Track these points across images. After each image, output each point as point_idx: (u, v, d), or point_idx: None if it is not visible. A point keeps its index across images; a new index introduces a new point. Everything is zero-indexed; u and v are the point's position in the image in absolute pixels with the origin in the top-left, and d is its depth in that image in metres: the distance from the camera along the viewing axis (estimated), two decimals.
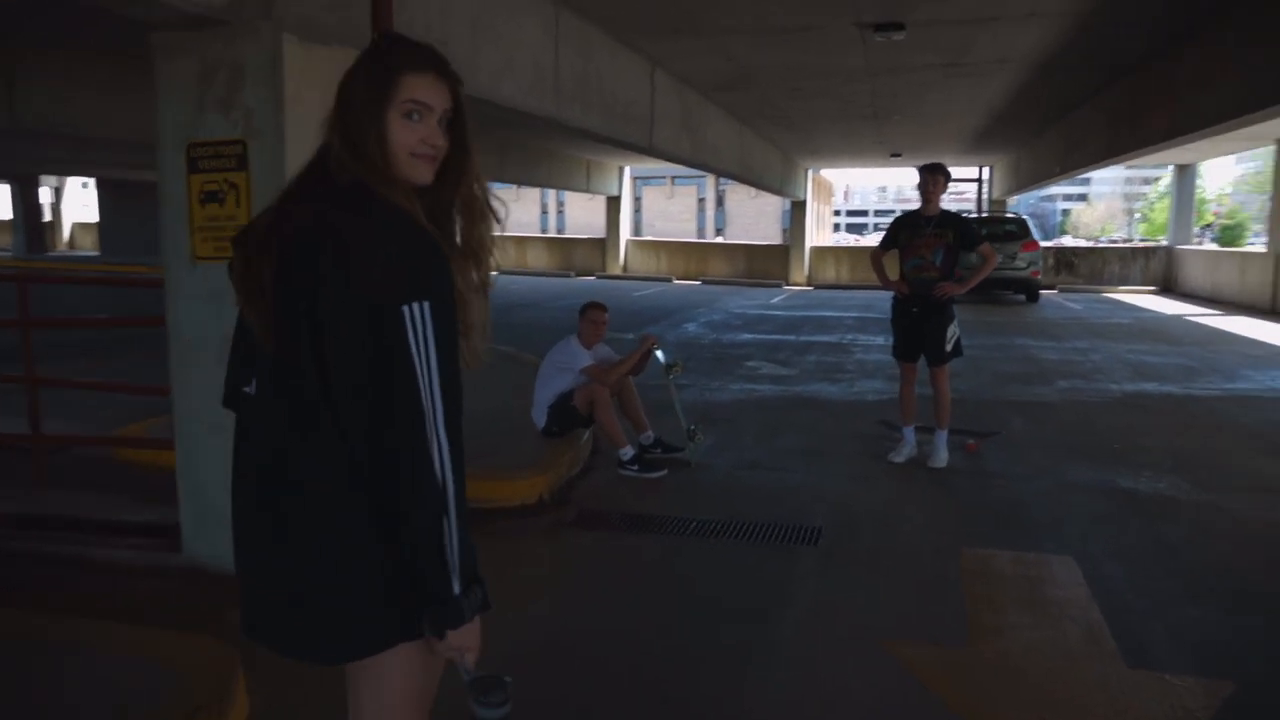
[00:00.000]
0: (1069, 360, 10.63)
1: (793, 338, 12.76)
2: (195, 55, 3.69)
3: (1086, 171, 14.41)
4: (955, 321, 5.76)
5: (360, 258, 1.33)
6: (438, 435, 1.34)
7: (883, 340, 12.34)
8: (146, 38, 3.78)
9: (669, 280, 25.37)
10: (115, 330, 10.66)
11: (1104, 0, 7.42)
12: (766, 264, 25.81)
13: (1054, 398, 8.26)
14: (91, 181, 30.75)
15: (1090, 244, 27.46)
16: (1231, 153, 24.59)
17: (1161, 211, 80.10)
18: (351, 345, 1.33)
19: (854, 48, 9.11)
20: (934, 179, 5.68)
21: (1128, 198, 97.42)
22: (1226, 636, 3.50)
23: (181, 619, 3.35)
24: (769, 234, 44.45)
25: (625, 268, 27.15)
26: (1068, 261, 23.86)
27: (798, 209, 25.27)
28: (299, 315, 1.36)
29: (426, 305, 1.31)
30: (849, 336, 12.94)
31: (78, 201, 39.03)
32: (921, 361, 5.87)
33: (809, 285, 24.46)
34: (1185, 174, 22.76)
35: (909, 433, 6.03)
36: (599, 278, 25.98)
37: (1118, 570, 4.18)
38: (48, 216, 35.27)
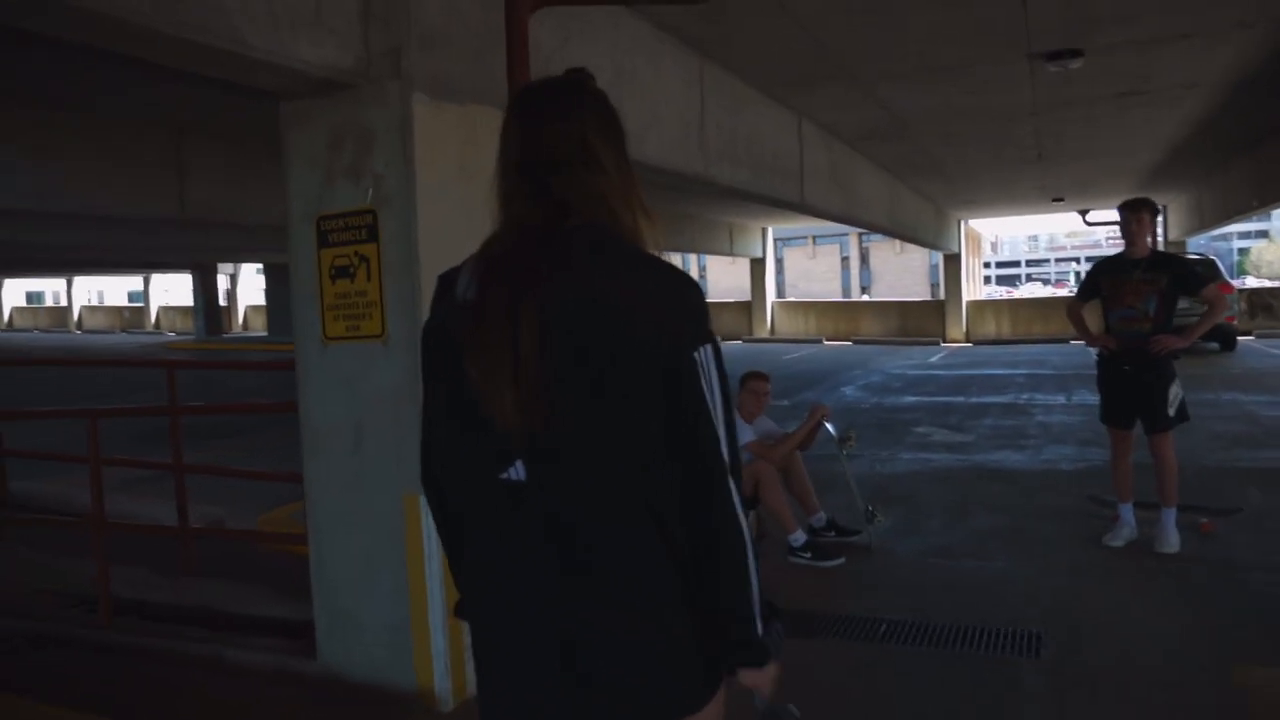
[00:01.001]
0: None
1: (962, 399, 12.19)
2: (323, 122, 3.46)
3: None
4: (1177, 380, 5.09)
5: (672, 313, 1.32)
6: (734, 485, 1.35)
7: (1064, 399, 11.78)
8: (276, 110, 3.57)
9: (819, 341, 24.95)
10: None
11: None
12: (920, 321, 25.10)
13: None
14: (261, 266, 33.01)
15: None
16: None
17: None
18: (659, 410, 1.31)
19: (1021, 82, 8.45)
20: (1138, 217, 5.12)
21: None
22: None
23: None
24: (916, 290, 43.58)
25: (772, 330, 26.79)
26: (1265, 304, 21.82)
27: (950, 262, 24.57)
28: (582, 389, 1.30)
29: (710, 349, 1.33)
30: (1024, 396, 12.23)
31: (252, 285, 42.10)
32: (1137, 429, 5.20)
33: (967, 342, 23.72)
34: None
35: (1127, 511, 5.32)
36: (746, 341, 25.77)
37: None
38: (224, 301, 38.22)
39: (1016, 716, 3.23)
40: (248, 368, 10.42)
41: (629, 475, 1.31)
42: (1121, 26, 6.85)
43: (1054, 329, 23.28)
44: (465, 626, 1.53)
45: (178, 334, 37.62)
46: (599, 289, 1.29)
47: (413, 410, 3.02)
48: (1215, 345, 17.34)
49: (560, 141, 1.38)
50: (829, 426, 5.41)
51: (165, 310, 41.63)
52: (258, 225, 10.44)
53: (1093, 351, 5.35)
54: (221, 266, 36.26)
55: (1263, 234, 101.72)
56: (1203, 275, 5.18)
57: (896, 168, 13.89)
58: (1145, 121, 11.02)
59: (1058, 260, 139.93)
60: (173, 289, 46.42)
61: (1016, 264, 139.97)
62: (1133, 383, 5.10)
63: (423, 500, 3.20)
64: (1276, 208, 14.94)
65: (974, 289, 31.34)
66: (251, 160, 9.67)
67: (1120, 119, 10.74)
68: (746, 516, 1.39)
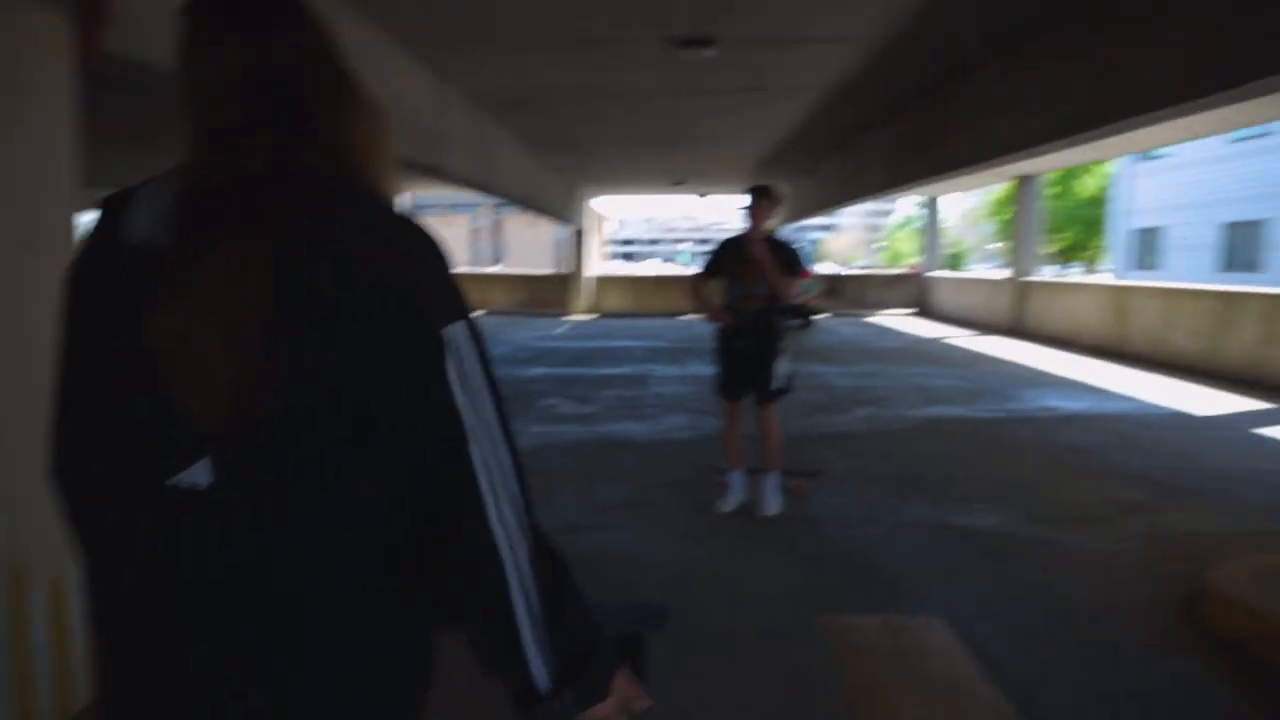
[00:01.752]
0: (861, 386, 10.92)
1: (588, 370, 12.50)
2: None
3: (870, 200, 14.93)
4: (787, 355, 5.51)
5: (432, 280, 1.06)
6: (502, 508, 1.06)
7: (678, 370, 12.41)
8: None
9: None
10: None
11: (914, 22, 7.39)
12: (549, 293, 25.72)
13: (859, 427, 8.33)
14: None
15: (857, 271, 29.20)
16: (977, 187, 26.66)
17: (901, 241, 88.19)
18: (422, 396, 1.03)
19: (658, 65, 8.76)
20: (762, 201, 5.40)
21: (868, 229, 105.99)
22: (1119, 690, 3.16)
23: None
24: (544, 263, 44.81)
25: None
26: (835, 287, 25.03)
27: (577, 238, 25.31)
28: (316, 365, 0.98)
29: (466, 329, 1.07)
30: (644, 368, 12.79)
31: None
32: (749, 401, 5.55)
33: (592, 314, 24.55)
34: (934, 206, 24.45)
35: (736, 479, 5.68)
36: None
37: (987, 628, 3.81)
38: None
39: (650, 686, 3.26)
40: None
41: (365, 485, 1.00)
42: (747, 21, 7.28)
43: (670, 303, 24.93)
44: None
45: None
46: (347, 244, 1.00)
47: None
48: (799, 322, 19.48)
49: (291, 56, 1.09)
50: None
51: None
52: None
53: (712, 326, 5.60)
54: None
55: (830, 228, 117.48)
56: (800, 260, 5.61)
57: (537, 140, 13.93)
58: (761, 116, 11.99)
59: (674, 240, 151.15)
60: None
61: (635, 242, 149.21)
62: (748, 357, 5.44)
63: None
64: (851, 204, 16.99)
65: (598, 263, 32.60)
66: None
67: (740, 112, 11.58)
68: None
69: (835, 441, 7.64)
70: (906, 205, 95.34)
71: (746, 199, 5.42)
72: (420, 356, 1.02)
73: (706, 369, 11.93)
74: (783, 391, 5.48)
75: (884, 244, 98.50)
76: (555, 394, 10.22)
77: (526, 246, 48.20)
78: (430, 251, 1.07)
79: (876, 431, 8.11)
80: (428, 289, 1.04)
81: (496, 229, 50.28)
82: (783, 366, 5.45)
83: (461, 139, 10.03)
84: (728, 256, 5.51)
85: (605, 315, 24.27)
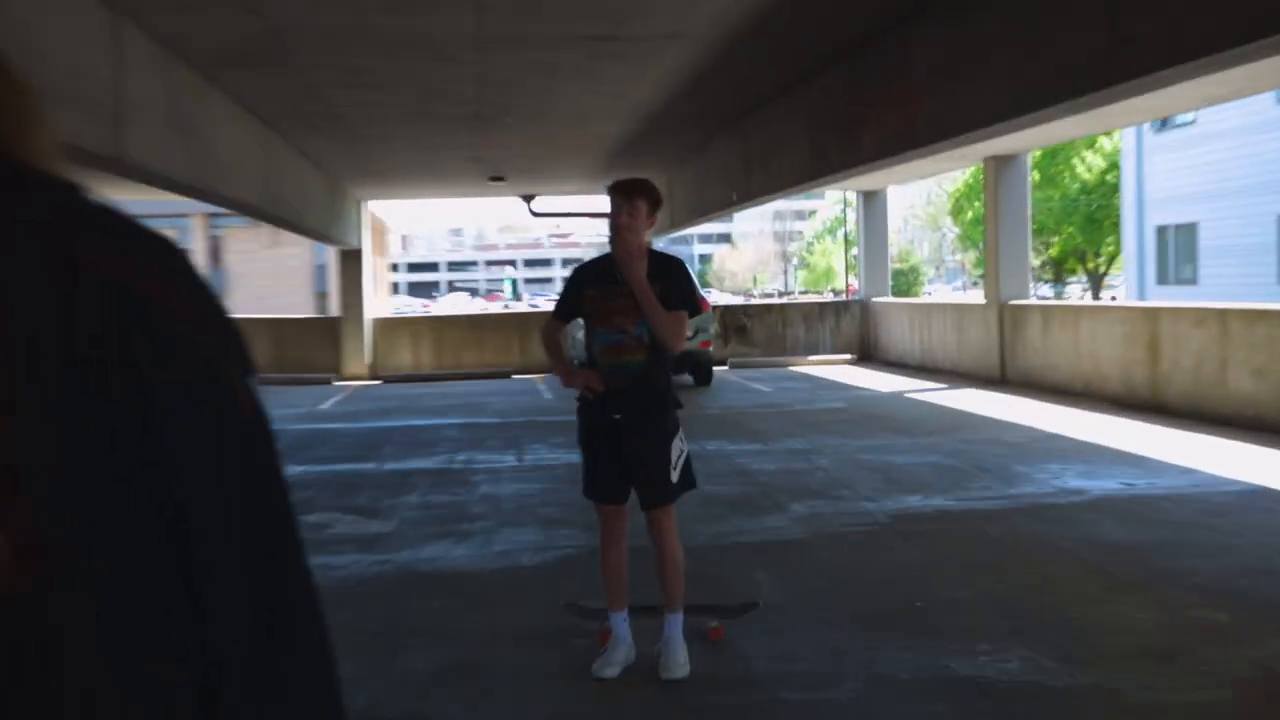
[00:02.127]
0: (792, 470, 11.19)
1: (374, 466, 12.51)
2: None
3: (781, 197, 15.25)
4: (681, 433, 5.56)
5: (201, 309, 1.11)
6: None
7: (515, 460, 12.52)
8: None
9: None
10: None
11: None
12: (306, 348, 25.50)
13: (798, 532, 8.49)
14: None
15: (767, 299, 29.89)
16: (932, 174, 27.79)
17: (825, 254, 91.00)
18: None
19: (460, 2, 8.70)
20: (632, 205, 5.45)
21: (779, 237, 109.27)
22: None
23: None
24: (296, 302, 44.22)
25: None
26: (739, 325, 25.56)
27: (349, 262, 25.29)
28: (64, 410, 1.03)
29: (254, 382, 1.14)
30: (461, 457, 12.87)
31: None
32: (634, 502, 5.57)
33: (373, 378, 24.71)
34: (874, 203, 25.44)
35: (620, 623, 5.60)
36: None
37: None
38: None
39: None
40: None
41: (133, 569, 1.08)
42: None
43: (492, 357, 24.82)
44: None
45: None
46: (91, 258, 1.07)
47: None
48: (689, 379, 19.76)
49: None
50: None
51: None
52: None
53: (574, 393, 5.58)
54: None
55: (725, 238, 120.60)
56: (695, 289, 5.72)
57: (276, 115, 13.89)
58: (618, 79, 12.13)
59: (489, 263, 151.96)
60: None
61: (434, 267, 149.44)
62: (625, 438, 5.41)
63: None
64: (755, 204, 17.43)
65: (381, 300, 32.32)
66: None
67: (587, 72, 11.67)
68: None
69: (766, 555, 7.69)
70: (831, 203, 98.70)
71: (609, 202, 5.46)
72: (203, 409, 1.09)
73: (566, 456, 11.93)
74: (682, 487, 5.50)
75: (802, 259, 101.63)
76: (325, 504, 10.07)
77: (266, 277, 47.36)
78: (178, 265, 1.13)
79: (824, 537, 8.24)
80: (204, 320, 1.11)
81: (215, 251, 49.25)
82: (677, 449, 5.48)
83: (152, 111, 9.72)
84: (589, 288, 5.52)
85: (396, 378, 24.28)
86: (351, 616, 6.51)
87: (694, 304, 5.54)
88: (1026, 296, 19.01)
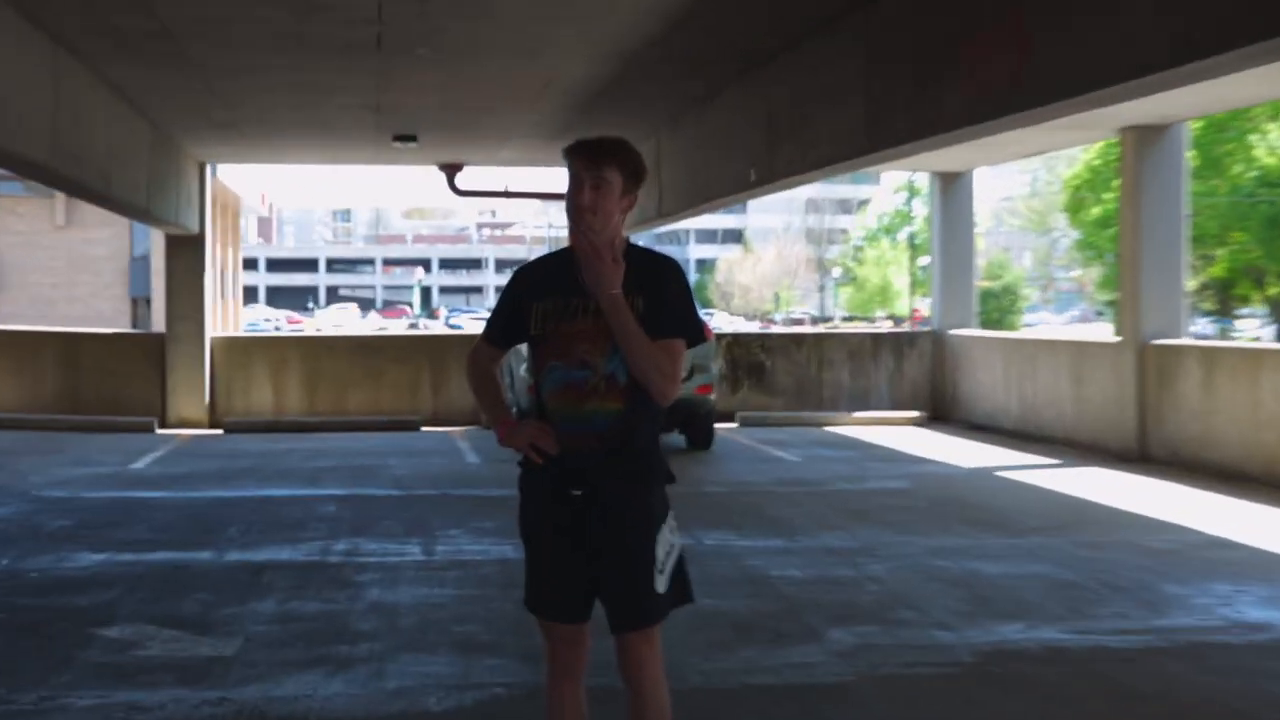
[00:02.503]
0: (831, 580, 11.17)
1: (210, 556, 12.51)
2: None
3: (818, 179, 15.19)
4: (671, 518, 5.46)
5: None
6: None
7: (421, 551, 12.59)
8: None
9: None
10: None
11: None
12: (114, 379, 25.58)
13: (839, 672, 8.39)
14: None
15: (798, 328, 30.04)
16: (1039, 152, 27.82)
17: (879, 266, 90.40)
18: None
19: None
20: (597, 175, 5.33)
21: (814, 238, 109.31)
22: None
23: None
24: (100, 310, 44.62)
25: None
26: (753, 363, 25.57)
27: (183, 254, 25.38)
28: None
29: None
30: (340, 546, 12.89)
31: None
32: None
33: (215, 426, 24.85)
34: (955, 191, 25.63)
35: None
36: None
37: None
38: None
39: None
40: None
41: None
42: None
43: (391, 401, 24.82)
44: None
45: None
46: None
47: None
48: (680, 439, 19.88)
49: None
50: None
51: None
52: None
53: (514, 455, 5.47)
54: None
55: (735, 236, 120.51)
56: (689, 301, 5.51)
57: (75, 31, 14.02)
58: None
59: (390, 263, 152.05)
60: None
61: (310, 265, 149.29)
62: (590, 524, 5.34)
63: None
64: (781, 187, 17.53)
65: (231, 312, 31.97)
66: None
67: None
68: None
69: (792, 706, 7.67)
70: (890, 190, 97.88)
71: (566, 173, 5.34)
72: None
73: (497, 549, 11.95)
74: (673, 599, 5.44)
75: (846, 271, 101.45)
76: (133, 612, 10.02)
77: (55, 271, 47.21)
78: None
79: (878, 681, 8.15)
80: None
81: None
82: (665, 544, 5.41)
83: None
84: (538, 301, 5.43)
85: (248, 426, 24.36)
86: None
87: (693, 328, 5.43)
88: (1179, 334, 18.96)
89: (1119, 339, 19.35)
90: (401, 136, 20.93)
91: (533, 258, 5.72)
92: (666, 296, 5.32)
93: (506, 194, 31.13)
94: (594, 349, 5.28)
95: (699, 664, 8.25)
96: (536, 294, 5.45)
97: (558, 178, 28.14)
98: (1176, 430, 18.02)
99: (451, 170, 24.99)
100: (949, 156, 21.85)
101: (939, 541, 12.72)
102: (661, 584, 5.34)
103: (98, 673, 8.46)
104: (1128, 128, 18.49)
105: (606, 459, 5.31)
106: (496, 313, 5.62)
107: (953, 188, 25.24)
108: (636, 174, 5.37)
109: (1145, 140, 18.59)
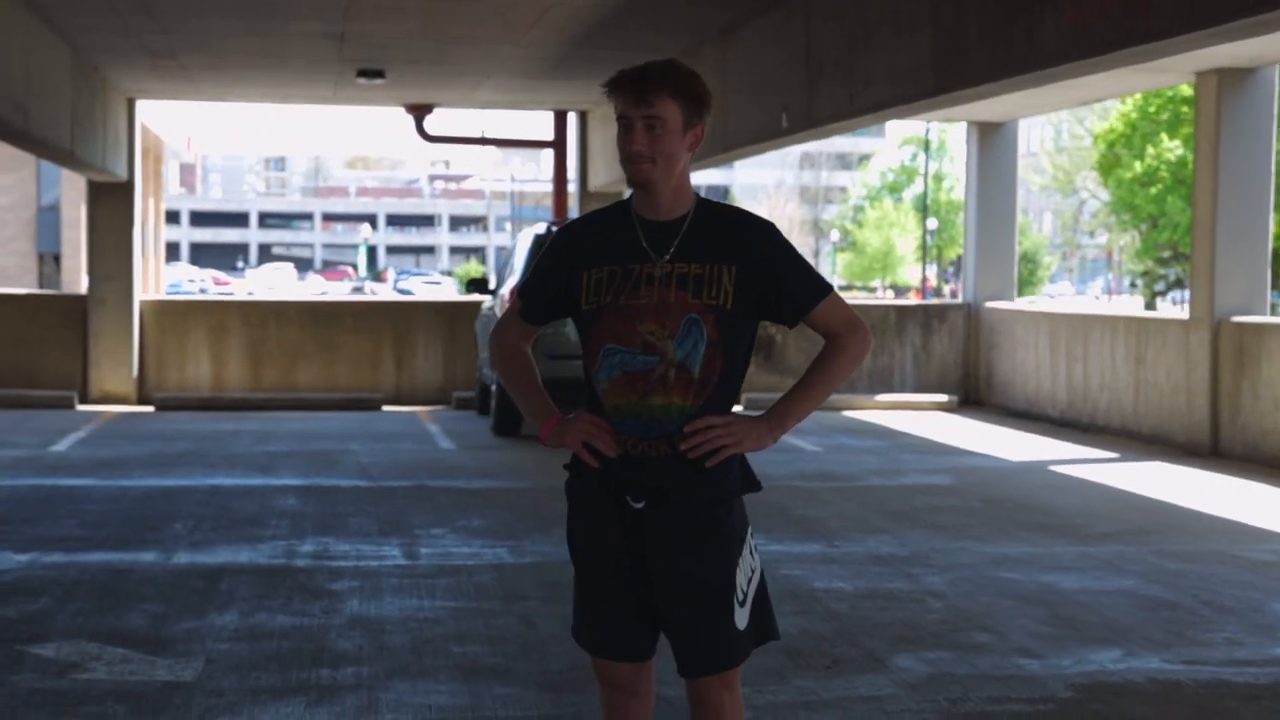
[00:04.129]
0: (885, 594, 11.20)
1: (155, 558, 12.44)
2: None
3: (870, 123, 15.10)
4: (752, 538, 5.39)
5: None
6: None
7: (401, 555, 12.60)
8: None
9: None
10: None
11: None
12: (26, 347, 25.93)
13: (918, 707, 8.30)
14: None
15: None
16: (1086, 101, 27.88)
17: (880, 228, 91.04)
18: None
19: None
20: (651, 108, 5.04)
21: (808, 196, 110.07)
22: None
23: None
24: (8, 266, 45.03)
25: None
26: (763, 337, 25.36)
27: (108, 204, 25.60)
28: None
29: None
30: (307, 547, 12.87)
31: None
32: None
33: (144, 402, 25.10)
34: (996, 143, 25.83)
35: None
36: None
37: None
38: None
39: None
40: None
41: None
42: None
43: (349, 376, 24.89)
44: None
45: None
46: None
47: None
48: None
49: None
50: None
51: None
52: None
53: (559, 454, 5.26)
54: None
55: (719, 195, 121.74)
56: (811, 269, 5.37)
57: None
58: None
59: (330, 218, 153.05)
60: None
61: (240, 219, 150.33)
62: (654, 545, 5.13)
63: None
64: (816, 134, 17.53)
65: (151, 271, 32.07)
66: None
67: None
68: None
69: None
70: (895, 144, 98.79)
71: (616, 110, 5.07)
72: None
73: (490, 551, 12.00)
74: (757, 636, 5.35)
75: (845, 234, 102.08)
76: (70, 626, 10.04)
77: None
78: None
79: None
80: None
81: None
82: (747, 568, 5.31)
83: None
84: (590, 268, 5.18)
85: (180, 403, 24.62)
86: None
87: (826, 280, 5.27)
88: (1262, 310, 18.95)
89: (1189, 315, 19.32)
90: (367, 71, 21.03)
91: (576, 216, 5.33)
92: (780, 268, 5.18)
93: (483, 140, 31.35)
94: (661, 330, 5.09)
95: (750, 697, 7.89)
96: (588, 260, 5.22)
97: (539, 123, 28.22)
98: (1256, 421, 17.99)
99: (420, 112, 25.28)
100: (991, 106, 21.83)
101: (1000, 549, 12.69)
102: (742, 619, 5.26)
103: (32, 701, 8.38)
104: (1208, 71, 18.31)
105: (677, 466, 5.08)
106: (535, 282, 5.50)
107: (992, 140, 25.42)
108: (698, 100, 5.13)
109: (1229, 85, 18.46)
